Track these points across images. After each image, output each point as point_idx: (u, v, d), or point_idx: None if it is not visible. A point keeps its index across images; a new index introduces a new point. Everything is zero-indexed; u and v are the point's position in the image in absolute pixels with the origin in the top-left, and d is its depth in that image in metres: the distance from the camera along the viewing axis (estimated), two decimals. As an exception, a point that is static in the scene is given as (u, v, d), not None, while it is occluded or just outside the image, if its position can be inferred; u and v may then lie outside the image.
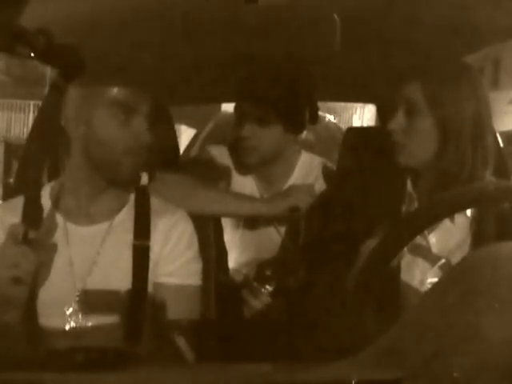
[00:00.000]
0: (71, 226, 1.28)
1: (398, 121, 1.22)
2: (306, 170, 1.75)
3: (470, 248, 1.22)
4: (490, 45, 1.75)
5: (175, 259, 1.29)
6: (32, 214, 1.20)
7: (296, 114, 1.65)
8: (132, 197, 1.34)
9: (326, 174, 1.77)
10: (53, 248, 1.23)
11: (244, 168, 1.74)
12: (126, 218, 1.30)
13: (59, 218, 1.28)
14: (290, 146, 1.71)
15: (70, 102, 1.26)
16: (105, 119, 1.25)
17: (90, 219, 1.29)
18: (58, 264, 1.24)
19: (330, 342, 1.12)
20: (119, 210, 1.31)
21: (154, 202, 1.35)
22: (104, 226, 1.29)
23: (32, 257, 1.10)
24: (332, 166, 1.85)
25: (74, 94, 1.26)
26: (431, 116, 1.19)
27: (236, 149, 1.70)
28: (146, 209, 1.33)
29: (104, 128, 1.25)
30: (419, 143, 1.21)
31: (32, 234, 1.11)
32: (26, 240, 1.11)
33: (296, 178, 1.73)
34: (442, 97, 1.19)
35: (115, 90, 1.24)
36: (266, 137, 1.63)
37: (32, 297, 1.21)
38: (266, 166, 1.70)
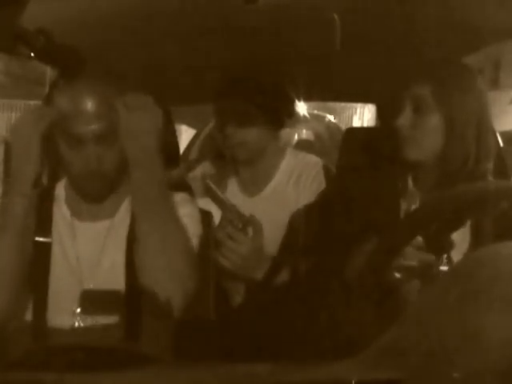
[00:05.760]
0: (76, 222, 1.28)
1: (407, 117, 1.24)
2: (291, 169, 1.72)
3: (470, 248, 1.22)
4: (490, 45, 1.75)
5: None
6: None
7: (272, 106, 1.64)
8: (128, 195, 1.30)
9: (326, 173, 1.76)
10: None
11: (226, 171, 1.73)
12: (125, 215, 1.28)
13: (66, 213, 1.29)
14: (273, 143, 1.70)
15: None
16: (62, 144, 1.23)
17: (94, 216, 1.28)
18: (65, 260, 1.24)
19: (330, 341, 1.11)
20: (119, 207, 1.30)
21: None
22: (106, 223, 1.28)
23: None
24: (332, 166, 1.85)
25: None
26: (439, 112, 1.23)
27: (226, 147, 1.69)
28: None
29: (62, 151, 1.23)
30: (427, 137, 1.24)
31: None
32: None
33: (280, 179, 1.71)
34: (449, 94, 1.22)
35: (65, 122, 1.21)
36: (247, 132, 1.63)
37: (43, 294, 1.21)
38: (250, 166, 1.69)
